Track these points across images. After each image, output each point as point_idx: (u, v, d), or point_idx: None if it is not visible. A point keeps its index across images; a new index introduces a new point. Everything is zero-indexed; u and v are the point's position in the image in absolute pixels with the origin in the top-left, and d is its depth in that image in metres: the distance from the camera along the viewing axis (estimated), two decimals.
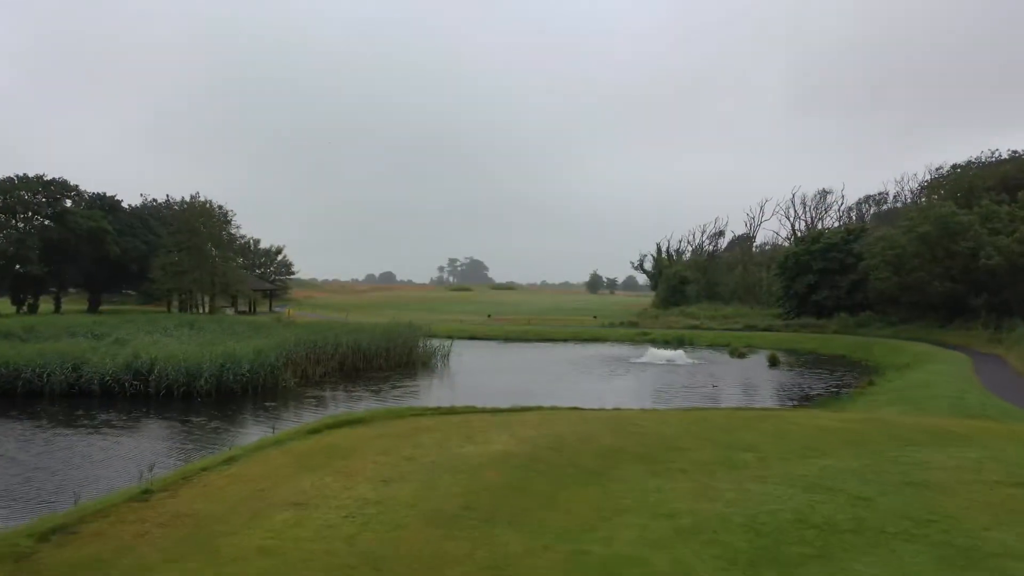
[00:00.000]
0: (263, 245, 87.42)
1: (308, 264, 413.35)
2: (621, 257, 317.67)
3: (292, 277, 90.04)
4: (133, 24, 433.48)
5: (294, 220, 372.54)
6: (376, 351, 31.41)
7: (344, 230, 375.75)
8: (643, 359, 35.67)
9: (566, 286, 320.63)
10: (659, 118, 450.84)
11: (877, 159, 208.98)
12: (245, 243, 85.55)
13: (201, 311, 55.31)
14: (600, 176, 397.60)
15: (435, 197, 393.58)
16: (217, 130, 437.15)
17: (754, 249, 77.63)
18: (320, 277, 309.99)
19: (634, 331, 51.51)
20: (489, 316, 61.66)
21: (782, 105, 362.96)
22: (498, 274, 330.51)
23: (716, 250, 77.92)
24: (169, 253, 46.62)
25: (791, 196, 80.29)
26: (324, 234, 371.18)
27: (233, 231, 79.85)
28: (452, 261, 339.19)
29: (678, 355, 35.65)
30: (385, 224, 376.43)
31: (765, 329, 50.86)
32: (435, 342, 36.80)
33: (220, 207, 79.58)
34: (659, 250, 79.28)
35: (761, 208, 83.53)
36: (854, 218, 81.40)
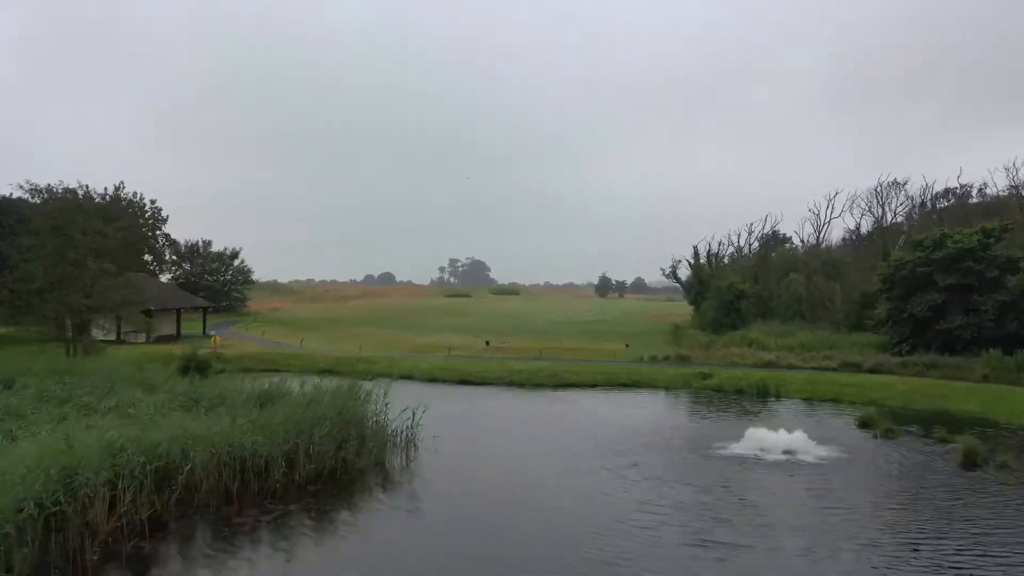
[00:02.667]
0: (218, 248, 72.89)
1: (306, 264, 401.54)
2: (626, 256, 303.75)
3: (251, 285, 75.07)
4: (137, 19, 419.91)
5: (295, 219, 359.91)
6: (278, 454, 17.07)
7: (345, 229, 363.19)
8: (739, 447, 21.37)
9: (570, 287, 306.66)
10: (668, 115, 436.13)
11: (911, 153, 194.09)
12: (192, 245, 71.22)
13: (103, 335, 41.14)
14: (603, 174, 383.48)
15: (437, 196, 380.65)
16: (220, 128, 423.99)
17: (822, 247, 62.97)
18: (317, 278, 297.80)
19: (689, 371, 37.11)
20: (488, 343, 47.43)
21: (798, 103, 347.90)
22: (500, 274, 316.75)
23: (769, 255, 63.46)
24: (27, 263, 32.24)
25: (876, 185, 64.79)
26: (323, 233, 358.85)
27: (166, 233, 65.92)
28: (453, 261, 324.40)
29: (798, 442, 21.27)
30: (386, 223, 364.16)
31: (872, 370, 36.41)
32: (403, 395, 22.77)
33: (152, 202, 65.87)
34: (697, 255, 64.77)
35: (830, 202, 68.61)
36: (915, 216, 66.98)
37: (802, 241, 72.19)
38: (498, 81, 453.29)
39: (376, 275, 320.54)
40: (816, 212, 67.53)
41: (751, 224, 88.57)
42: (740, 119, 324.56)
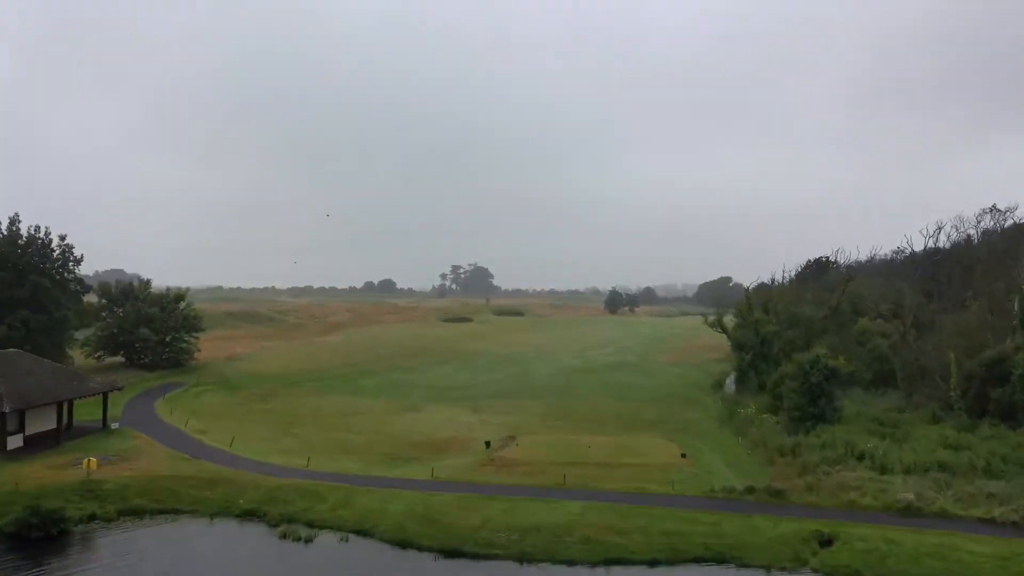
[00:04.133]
0: (159, 286, 59.61)
1: (307, 268, 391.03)
2: (629, 258, 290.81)
3: (199, 333, 60.87)
4: (136, 20, 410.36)
5: (295, 221, 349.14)
6: None
7: (345, 233, 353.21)
8: None
9: (574, 294, 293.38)
10: (669, 119, 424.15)
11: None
12: (125, 287, 58.22)
13: None
14: (604, 175, 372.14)
15: (439, 199, 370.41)
16: (221, 131, 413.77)
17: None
18: (316, 284, 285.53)
19: (793, 527, 24.23)
20: (488, 446, 34.64)
21: (801, 105, 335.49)
22: (503, 280, 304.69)
23: (840, 303, 50.43)
24: None
25: (979, 213, 51.58)
26: (324, 236, 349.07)
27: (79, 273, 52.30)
28: (455, 268, 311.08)
29: None
30: (387, 227, 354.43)
31: None
32: None
33: (62, 238, 52.75)
34: (749, 302, 51.70)
35: (928, 236, 55.60)
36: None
37: (867, 256, 59.23)
38: (500, 86, 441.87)
39: (376, 282, 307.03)
40: (908, 247, 55.02)
41: (809, 259, 75.27)
42: (745, 122, 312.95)
